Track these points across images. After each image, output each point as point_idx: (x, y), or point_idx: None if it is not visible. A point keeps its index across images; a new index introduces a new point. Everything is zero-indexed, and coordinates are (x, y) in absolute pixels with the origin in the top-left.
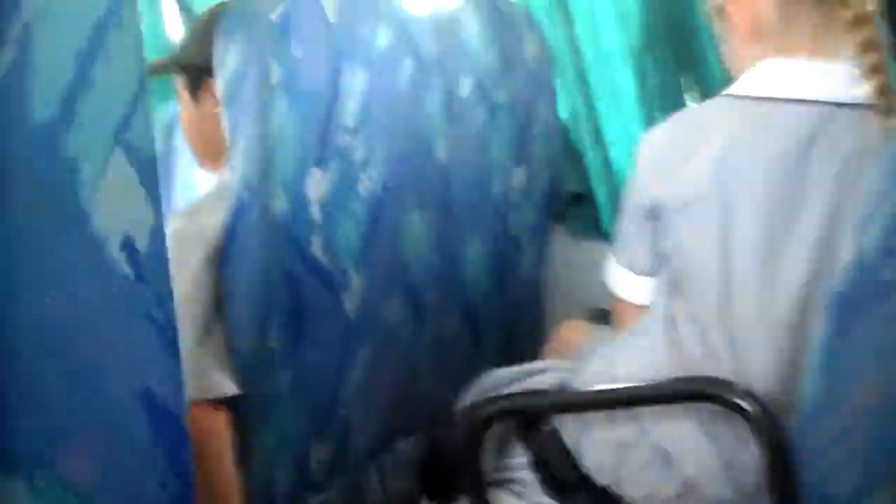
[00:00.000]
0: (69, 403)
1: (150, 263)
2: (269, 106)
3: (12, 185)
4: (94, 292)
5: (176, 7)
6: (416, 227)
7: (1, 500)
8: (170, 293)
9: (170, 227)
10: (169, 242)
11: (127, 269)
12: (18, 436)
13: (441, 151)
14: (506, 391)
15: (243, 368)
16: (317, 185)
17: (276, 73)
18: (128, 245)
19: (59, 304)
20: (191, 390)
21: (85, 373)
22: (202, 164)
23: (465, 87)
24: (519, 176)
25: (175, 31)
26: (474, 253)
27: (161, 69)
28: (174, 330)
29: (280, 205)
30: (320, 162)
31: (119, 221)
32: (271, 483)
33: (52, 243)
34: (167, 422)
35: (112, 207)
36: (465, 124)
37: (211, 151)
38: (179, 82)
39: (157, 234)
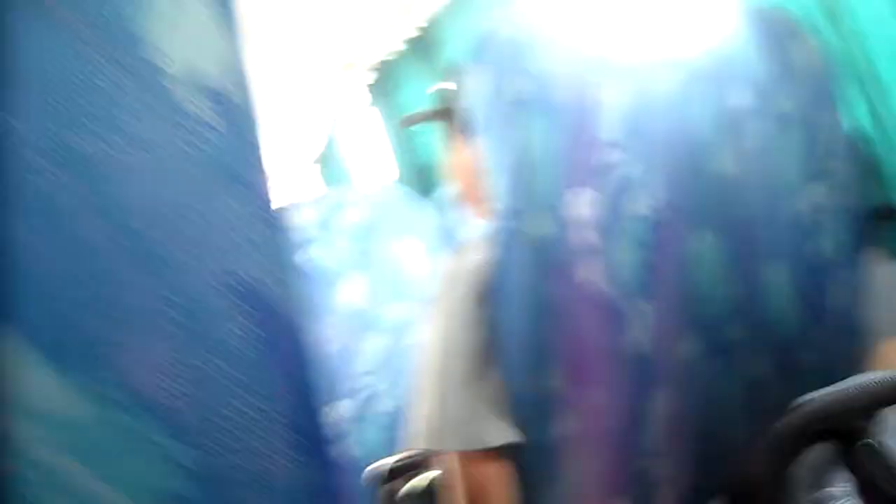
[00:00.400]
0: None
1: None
2: (526, 125)
3: None
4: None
5: None
6: (706, 249)
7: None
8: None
9: (442, 268)
10: (439, 282)
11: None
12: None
13: (720, 166)
14: None
15: (521, 415)
16: (586, 205)
17: (524, 87)
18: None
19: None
20: (461, 441)
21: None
22: (475, 212)
23: (741, 98)
24: (818, 193)
25: None
26: (777, 280)
27: (428, 117)
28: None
29: (548, 227)
30: (586, 181)
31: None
32: None
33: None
34: (266, 318)
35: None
36: (745, 137)
37: (479, 194)
38: (448, 127)
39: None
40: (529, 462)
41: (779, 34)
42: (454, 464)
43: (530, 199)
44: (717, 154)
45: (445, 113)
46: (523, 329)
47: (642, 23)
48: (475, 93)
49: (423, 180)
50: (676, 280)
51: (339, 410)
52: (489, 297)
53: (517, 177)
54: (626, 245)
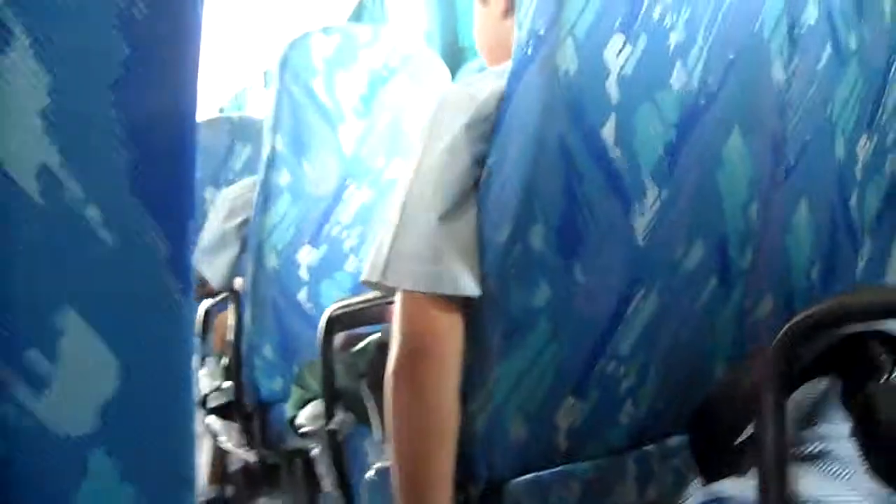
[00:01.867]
0: None
1: None
2: None
3: None
4: None
5: None
6: (738, 156)
7: None
8: None
9: (442, 94)
10: (435, 106)
11: None
12: None
13: (769, 70)
14: None
15: (492, 267)
16: (619, 54)
17: None
18: None
19: None
20: (412, 278)
21: None
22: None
23: (812, 15)
24: (864, 147)
25: None
26: (800, 221)
27: None
28: None
29: (569, 63)
30: (626, 29)
31: None
32: (495, 434)
33: None
34: None
35: None
36: (808, 57)
37: (499, 56)
38: None
39: None
40: (489, 325)
41: None
42: (398, 308)
43: (558, 25)
44: (768, 56)
45: None
46: (516, 173)
47: None
48: None
49: (454, 59)
50: (693, 175)
51: (306, 255)
52: (487, 129)
53: (548, 1)
54: (650, 116)
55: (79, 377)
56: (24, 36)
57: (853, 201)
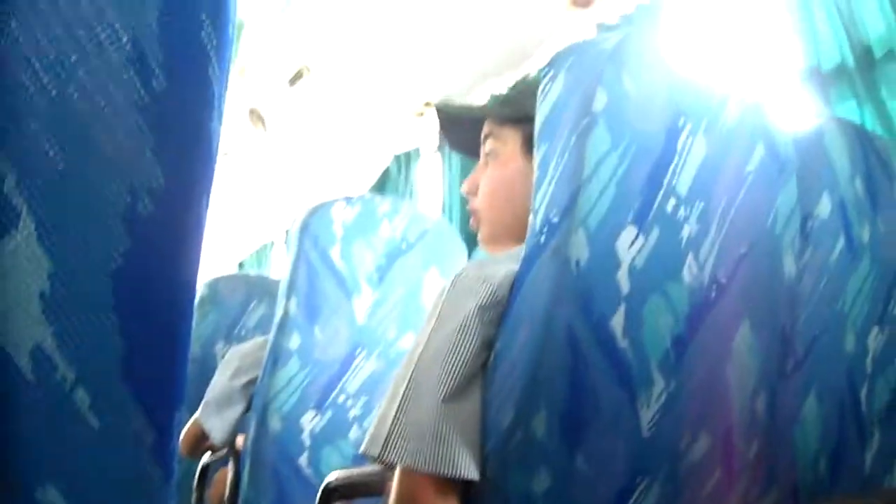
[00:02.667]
0: None
1: None
2: (587, 135)
3: None
4: None
5: None
6: (745, 345)
7: None
8: None
9: (456, 274)
10: (449, 285)
11: None
12: None
13: (788, 267)
14: None
15: (493, 452)
16: (631, 246)
17: (601, 100)
18: None
19: None
20: (421, 456)
21: None
22: (489, 240)
23: (825, 208)
24: (876, 339)
25: None
26: (809, 413)
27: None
28: None
29: (581, 252)
30: (639, 221)
31: None
32: None
33: None
34: None
35: None
36: (820, 250)
37: (508, 219)
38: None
39: None
40: None
41: (878, 159)
42: (395, 484)
43: (571, 216)
44: (780, 249)
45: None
46: (523, 359)
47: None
48: (546, 97)
49: (473, 233)
50: (701, 368)
51: (310, 421)
52: (498, 313)
53: (564, 188)
54: (660, 308)
55: None
56: (31, 220)
57: (863, 394)
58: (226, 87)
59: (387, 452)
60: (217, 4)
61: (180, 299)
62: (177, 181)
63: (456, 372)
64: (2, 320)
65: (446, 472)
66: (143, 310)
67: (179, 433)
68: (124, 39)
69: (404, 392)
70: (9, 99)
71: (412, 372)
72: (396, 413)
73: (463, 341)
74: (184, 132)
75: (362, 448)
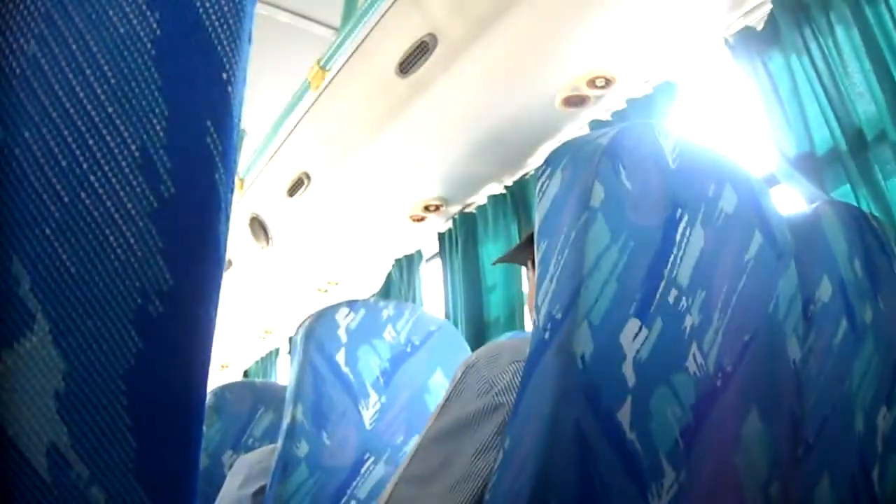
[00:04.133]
0: None
1: None
2: (587, 229)
3: None
4: None
5: None
6: (757, 437)
7: None
8: None
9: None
10: (459, 380)
11: None
12: None
13: (793, 352)
14: None
15: None
16: (635, 338)
17: (598, 195)
18: None
19: None
20: None
21: None
22: None
23: (826, 292)
24: (885, 419)
25: None
26: (822, 497)
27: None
28: None
29: (585, 347)
30: (642, 313)
31: None
32: None
33: None
34: None
35: None
36: (824, 333)
37: None
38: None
39: None
40: None
41: (875, 240)
42: None
43: (573, 311)
44: (783, 335)
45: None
46: (531, 458)
47: (730, 175)
48: (545, 194)
49: (479, 334)
50: (711, 457)
51: None
52: (498, 417)
53: (565, 284)
54: (666, 399)
55: None
56: (46, 322)
57: (875, 474)
58: (231, 190)
59: None
60: (221, 111)
61: (191, 399)
62: (186, 283)
63: (450, 467)
64: (18, 420)
65: None
66: (155, 410)
67: None
68: (133, 147)
69: (404, 469)
70: (23, 205)
71: (415, 451)
72: (395, 487)
73: (461, 439)
74: (192, 236)
75: None
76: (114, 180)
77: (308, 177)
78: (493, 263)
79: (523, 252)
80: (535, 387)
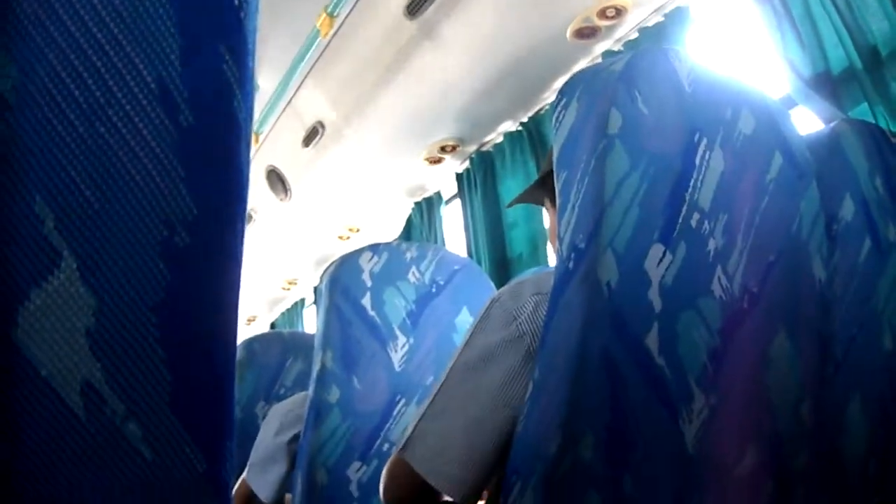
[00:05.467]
0: None
1: None
2: (606, 157)
3: None
4: None
5: None
6: (785, 357)
7: None
8: None
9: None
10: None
11: None
12: None
13: (818, 271)
14: None
15: (541, 481)
16: (659, 264)
17: (615, 122)
18: None
19: None
20: (425, 463)
21: None
22: None
23: (848, 210)
24: None
25: None
26: (854, 417)
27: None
28: None
29: (611, 275)
30: (665, 238)
31: None
32: None
33: None
34: None
35: None
36: (848, 251)
37: None
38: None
39: None
40: None
41: (887, 155)
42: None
43: (597, 239)
44: (807, 255)
45: (546, 178)
46: (563, 386)
47: (748, 98)
48: (561, 125)
49: (502, 272)
50: (740, 379)
51: (356, 472)
52: (521, 346)
53: (587, 212)
54: (693, 323)
55: None
56: (72, 259)
57: None
58: (251, 117)
59: (405, 451)
60: (235, 38)
61: (223, 328)
62: (210, 212)
63: (476, 398)
64: (50, 358)
65: (438, 486)
66: (187, 340)
67: (232, 463)
68: (149, 78)
69: (430, 404)
70: (43, 144)
71: (441, 385)
72: (419, 421)
73: (487, 370)
74: (214, 163)
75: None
76: (132, 112)
77: (322, 126)
78: (508, 205)
79: (538, 191)
80: (562, 317)
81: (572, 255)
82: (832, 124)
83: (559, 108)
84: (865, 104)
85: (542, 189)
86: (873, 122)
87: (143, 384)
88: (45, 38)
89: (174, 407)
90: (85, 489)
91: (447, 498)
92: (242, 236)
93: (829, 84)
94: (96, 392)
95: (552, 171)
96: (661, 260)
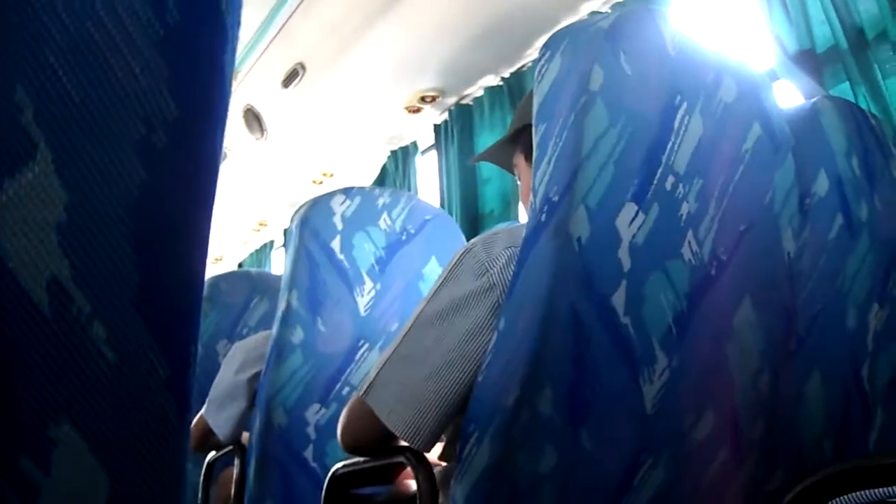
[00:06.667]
0: None
1: None
2: (586, 112)
3: None
4: None
5: None
6: (749, 326)
7: None
8: None
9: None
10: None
11: None
12: None
13: (787, 244)
14: None
15: (497, 432)
16: (631, 223)
17: (597, 79)
18: None
19: None
20: (388, 411)
21: None
22: None
23: (822, 186)
24: (877, 316)
25: None
26: (812, 392)
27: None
28: None
29: (582, 230)
30: (639, 198)
31: None
32: None
33: None
34: None
35: None
36: (819, 227)
37: None
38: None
39: None
40: (494, 492)
41: (874, 137)
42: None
43: (570, 193)
44: (778, 227)
45: (519, 134)
46: (526, 338)
47: (730, 65)
48: (543, 77)
49: (473, 225)
50: (703, 345)
51: (314, 414)
52: (492, 297)
53: (563, 166)
54: (660, 285)
55: (68, 492)
56: (48, 151)
57: (865, 371)
58: (238, 23)
59: (367, 396)
60: None
61: (195, 232)
62: (191, 113)
63: (440, 347)
64: (17, 251)
65: (399, 432)
66: (158, 243)
67: (194, 368)
68: None
69: (395, 349)
70: (27, 34)
71: (407, 331)
72: (382, 366)
73: (454, 319)
74: (197, 65)
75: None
76: (119, 8)
77: (303, 67)
78: (471, 161)
79: (507, 147)
80: (531, 269)
81: (545, 207)
82: (813, 100)
83: (542, 62)
84: (847, 84)
85: (513, 145)
86: (854, 101)
87: (111, 283)
88: None
89: (140, 309)
90: (44, 389)
91: (403, 442)
92: (221, 144)
93: (812, 61)
94: (62, 289)
95: (525, 127)
96: (633, 219)
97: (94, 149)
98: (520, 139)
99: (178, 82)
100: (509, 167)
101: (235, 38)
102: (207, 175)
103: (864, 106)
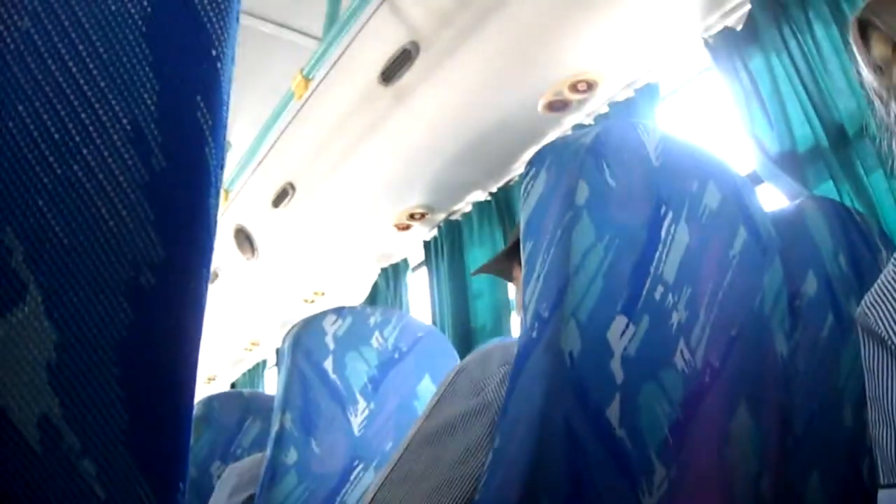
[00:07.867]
0: None
1: None
2: (572, 227)
3: None
4: None
5: None
6: (746, 431)
7: None
8: None
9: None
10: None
11: None
12: None
13: (780, 346)
14: None
15: None
16: (622, 335)
17: (583, 193)
18: None
19: None
20: None
21: None
22: None
23: (811, 286)
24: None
25: None
26: (813, 492)
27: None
28: None
29: (573, 346)
30: (629, 310)
31: None
32: None
33: None
34: None
35: None
36: (810, 327)
37: None
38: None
39: None
40: None
41: (859, 233)
42: None
43: (561, 307)
44: (770, 330)
45: (516, 251)
46: (522, 456)
47: (713, 171)
48: (529, 194)
49: (465, 341)
50: (701, 453)
51: None
52: (496, 411)
53: (552, 281)
54: (655, 395)
55: None
56: (38, 293)
57: (865, 467)
58: (222, 165)
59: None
60: (211, 86)
61: (183, 372)
62: (177, 256)
63: (437, 469)
64: (10, 391)
65: None
66: (147, 382)
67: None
68: (125, 121)
69: (392, 469)
70: (16, 177)
71: (403, 451)
72: (382, 485)
73: (451, 439)
74: (183, 208)
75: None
76: (106, 153)
77: (293, 187)
78: (474, 273)
79: (506, 262)
80: (524, 386)
81: (536, 323)
82: (797, 201)
83: (528, 178)
84: (831, 182)
85: (510, 260)
86: (839, 199)
87: (100, 421)
88: (27, 76)
89: (130, 446)
90: None
91: None
92: (207, 283)
93: (794, 161)
94: (53, 427)
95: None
96: (624, 331)
97: (82, 290)
98: (515, 255)
99: (163, 225)
100: (510, 279)
101: (219, 182)
102: (193, 314)
103: (848, 203)
